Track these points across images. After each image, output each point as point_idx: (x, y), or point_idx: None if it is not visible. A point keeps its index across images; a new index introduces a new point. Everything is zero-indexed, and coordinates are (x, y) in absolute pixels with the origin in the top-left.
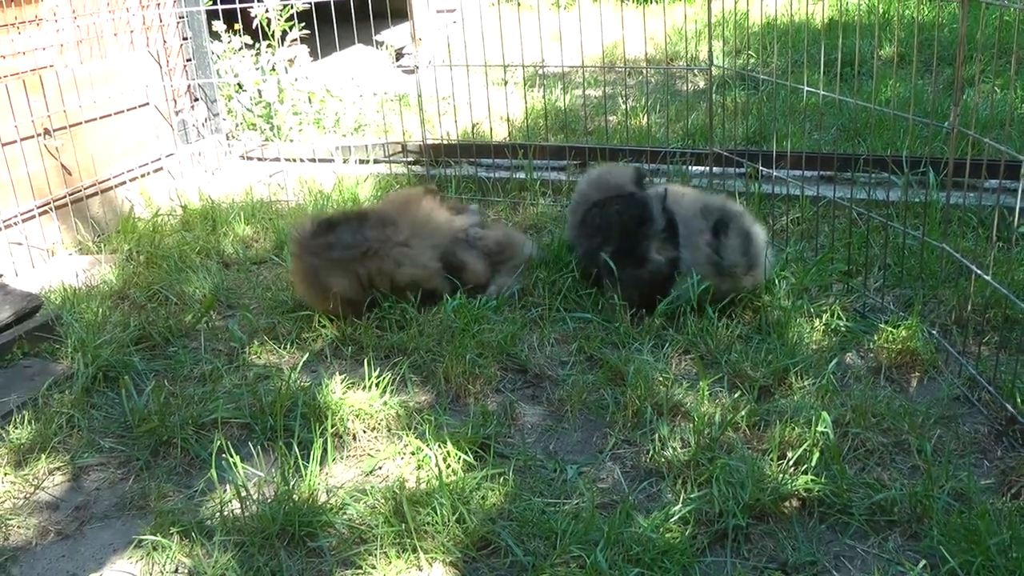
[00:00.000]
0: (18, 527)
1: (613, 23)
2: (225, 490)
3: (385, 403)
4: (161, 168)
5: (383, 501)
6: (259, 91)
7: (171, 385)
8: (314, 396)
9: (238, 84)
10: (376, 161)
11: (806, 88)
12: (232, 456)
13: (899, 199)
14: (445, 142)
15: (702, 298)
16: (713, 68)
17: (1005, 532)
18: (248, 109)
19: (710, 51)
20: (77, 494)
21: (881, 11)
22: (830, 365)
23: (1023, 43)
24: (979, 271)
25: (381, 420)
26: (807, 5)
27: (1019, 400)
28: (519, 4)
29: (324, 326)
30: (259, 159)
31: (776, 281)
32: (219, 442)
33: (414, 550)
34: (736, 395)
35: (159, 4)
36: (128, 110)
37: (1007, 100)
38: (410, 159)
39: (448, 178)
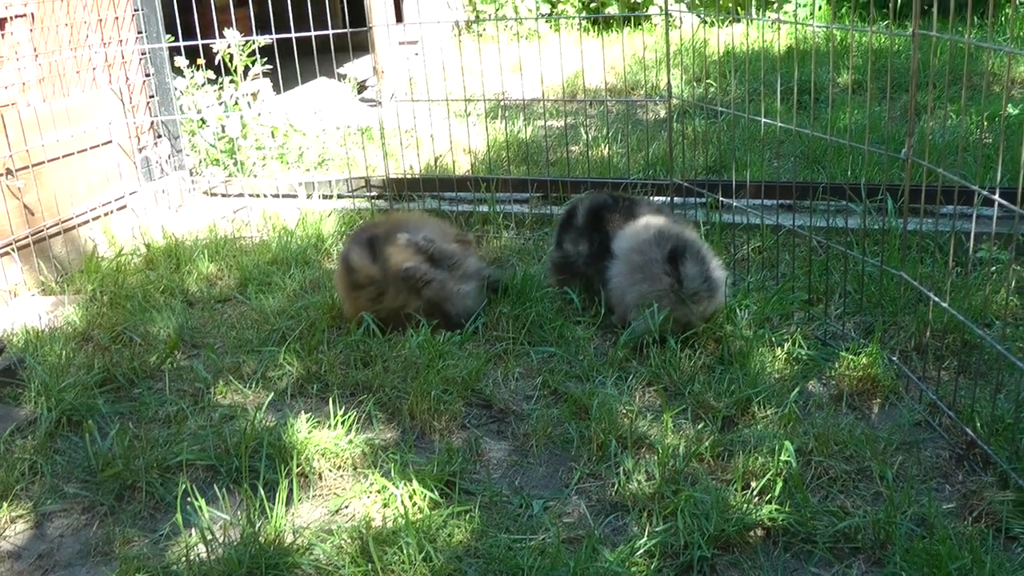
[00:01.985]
0: None
1: (573, 53)
2: (191, 534)
3: (351, 441)
4: (125, 206)
5: (349, 541)
6: (222, 126)
7: (136, 427)
8: (279, 436)
9: (201, 120)
10: (340, 196)
11: (763, 120)
12: (197, 499)
13: (858, 227)
14: (408, 176)
15: (664, 329)
16: (673, 98)
17: (966, 556)
18: (211, 145)
19: (668, 81)
20: (40, 542)
21: (838, 39)
22: (792, 394)
23: (974, 70)
24: (937, 298)
25: (347, 459)
26: (764, 33)
27: (979, 424)
28: (480, 35)
29: (290, 363)
30: (223, 195)
31: (738, 311)
32: (184, 485)
33: None
34: (700, 426)
35: (121, 41)
36: (91, 148)
37: (963, 126)
38: (374, 194)
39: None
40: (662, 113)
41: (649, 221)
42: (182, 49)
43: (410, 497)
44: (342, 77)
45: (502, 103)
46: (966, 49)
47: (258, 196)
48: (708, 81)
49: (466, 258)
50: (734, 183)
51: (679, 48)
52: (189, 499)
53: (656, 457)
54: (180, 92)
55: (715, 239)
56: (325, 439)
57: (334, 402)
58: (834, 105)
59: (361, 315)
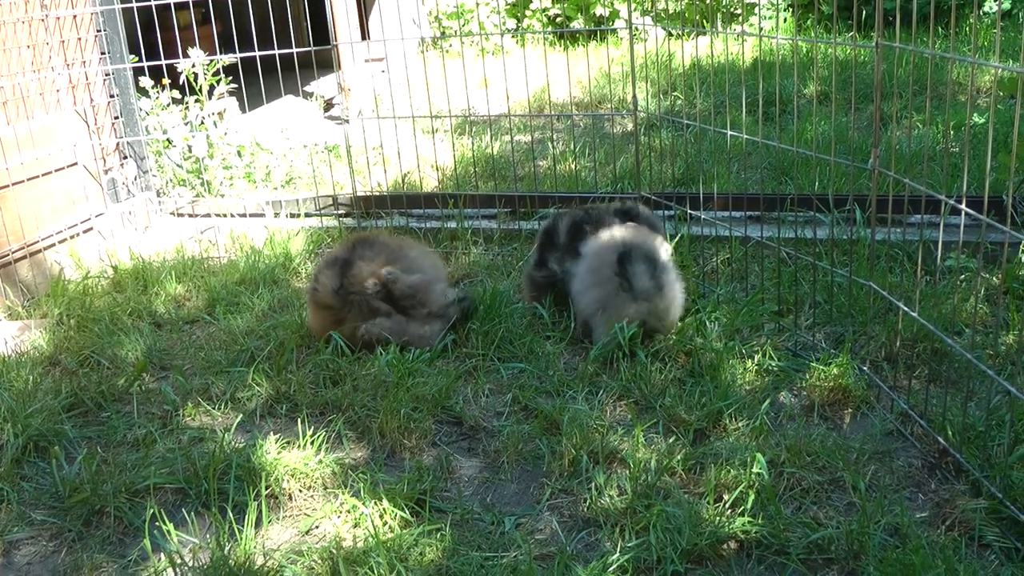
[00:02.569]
0: None
1: (539, 68)
2: (160, 559)
3: (320, 461)
4: (91, 228)
5: (320, 562)
6: (188, 146)
7: (104, 452)
8: (248, 457)
9: (167, 140)
10: (307, 215)
11: (729, 132)
12: (166, 523)
13: (826, 237)
14: (376, 193)
15: (633, 341)
16: (639, 111)
17: (940, 565)
18: (178, 165)
19: (634, 94)
20: (7, 570)
21: (803, 51)
22: (764, 405)
23: (939, 79)
24: (906, 307)
25: (317, 479)
26: (730, 46)
27: (950, 433)
28: (446, 52)
29: (259, 384)
30: (190, 215)
31: (708, 323)
32: (153, 509)
33: None
34: (671, 439)
35: (85, 62)
36: (56, 170)
37: (929, 135)
38: (341, 211)
39: (380, 229)
40: (629, 126)
41: (613, 233)
42: (146, 69)
43: (381, 516)
44: (308, 95)
45: (469, 119)
46: (930, 60)
47: (225, 216)
48: (675, 94)
49: (431, 292)
50: (702, 195)
51: (645, 61)
52: (158, 523)
53: (628, 472)
54: (145, 113)
55: (684, 251)
56: (295, 459)
57: (303, 422)
58: (800, 116)
59: (329, 334)
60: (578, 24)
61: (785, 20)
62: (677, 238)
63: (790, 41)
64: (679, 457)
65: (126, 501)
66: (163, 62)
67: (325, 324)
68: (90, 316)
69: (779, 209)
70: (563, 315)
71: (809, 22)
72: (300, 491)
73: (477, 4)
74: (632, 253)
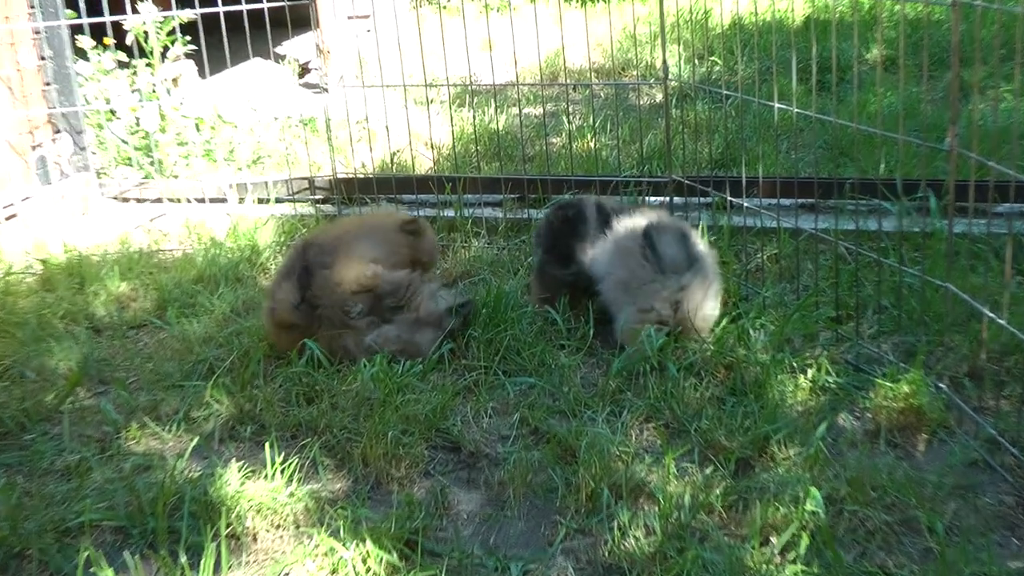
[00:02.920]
0: None
1: (553, 29)
2: None
3: (292, 494)
4: (15, 215)
5: None
6: (136, 118)
7: (27, 482)
8: (205, 489)
9: (110, 111)
10: (279, 200)
11: (777, 104)
12: (103, 568)
13: (894, 230)
14: (360, 175)
15: (664, 352)
16: (670, 80)
17: None
18: (123, 141)
19: (664, 59)
20: None
21: (866, 7)
22: (819, 430)
23: None
24: (992, 314)
25: (287, 515)
26: (775, 1)
27: None
28: (443, 7)
29: (218, 401)
30: (137, 200)
31: (752, 331)
32: (87, 552)
33: None
34: (709, 470)
35: (7, 18)
36: None
37: (1019, 109)
38: (319, 197)
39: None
40: (658, 97)
41: (635, 221)
42: (86, 27)
43: (363, 561)
44: (280, 58)
45: (470, 88)
46: (1021, 19)
47: (180, 201)
48: (712, 59)
49: (420, 294)
50: (744, 179)
51: (677, 20)
52: (92, 569)
53: (657, 508)
54: (84, 79)
55: (723, 246)
56: (261, 492)
57: (272, 447)
58: (862, 86)
59: (303, 342)
60: None
61: None
62: (714, 230)
63: None
64: (718, 491)
65: (54, 542)
66: (107, 19)
67: (289, 344)
68: (12, 319)
69: (837, 196)
70: (580, 320)
71: None
72: (267, 530)
73: None
74: (660, 226)
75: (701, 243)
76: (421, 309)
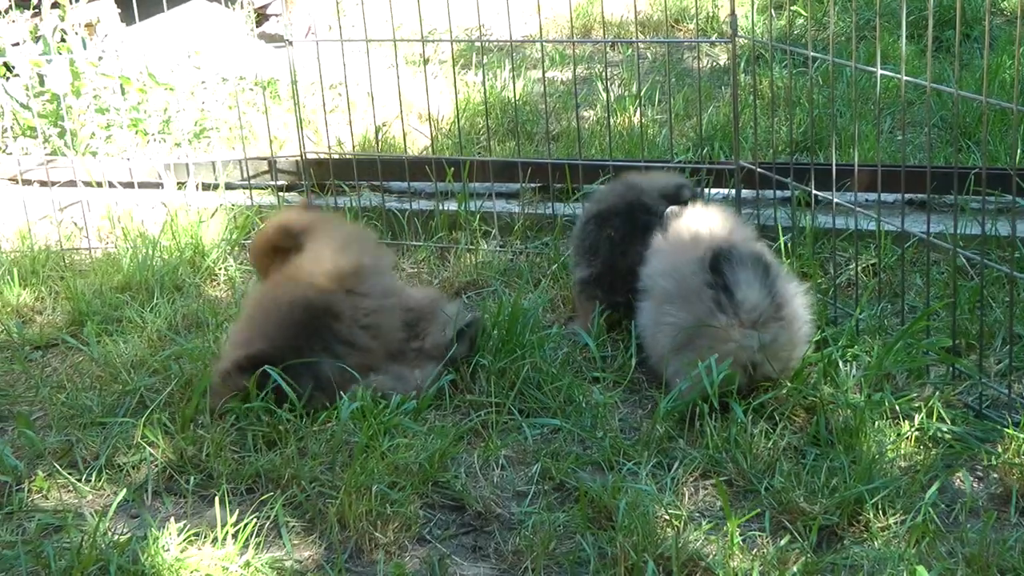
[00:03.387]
0: None
1: None
2: None
3: (247, 564)
4: None
5: None
6: (40, 76)
7: None
8: (135, 556)
9: (4, 65)
10: (230, 186)
11: (879, 71)
12: None
13: None
14: (335, 156)
15: (727, 390)
16: (739, 36)
17: None
18: (22, 105)
19: (732, 10)
20: None
21: None
22: (929, 492)
23: None
24: None
25: None
26: None
27: None
28: None
29: (152, 443)
30: (42, 183)
31: (841, 364)
32: None
33: None
34: (784, 541)
35: None
36: None
37: None
38: (282, 182)
39: (341, 211)
40: (723, 59)
41: (695, 223)
42: None
43: None
44: (231, 1)
45: (479, 44)
46: None
47: (100, 185)
48: (794, 8)
49: (435, 320)
50: (834, 168)
51: None
52: None
53: None
54: None
55: (805, 253)
56: (208, 561)
57: (222, 503)
58: (994, 47)
59: (264, 369)
60: None
61: None
62: (793, 233)
63: None
64: (795, 568)
65: None
66: None
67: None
68: None
69: (957, 191)
70: (618, 344)
71: None
72: None
73: None
74: (733, 253)
75: (786, 275)
76: (427, 340)
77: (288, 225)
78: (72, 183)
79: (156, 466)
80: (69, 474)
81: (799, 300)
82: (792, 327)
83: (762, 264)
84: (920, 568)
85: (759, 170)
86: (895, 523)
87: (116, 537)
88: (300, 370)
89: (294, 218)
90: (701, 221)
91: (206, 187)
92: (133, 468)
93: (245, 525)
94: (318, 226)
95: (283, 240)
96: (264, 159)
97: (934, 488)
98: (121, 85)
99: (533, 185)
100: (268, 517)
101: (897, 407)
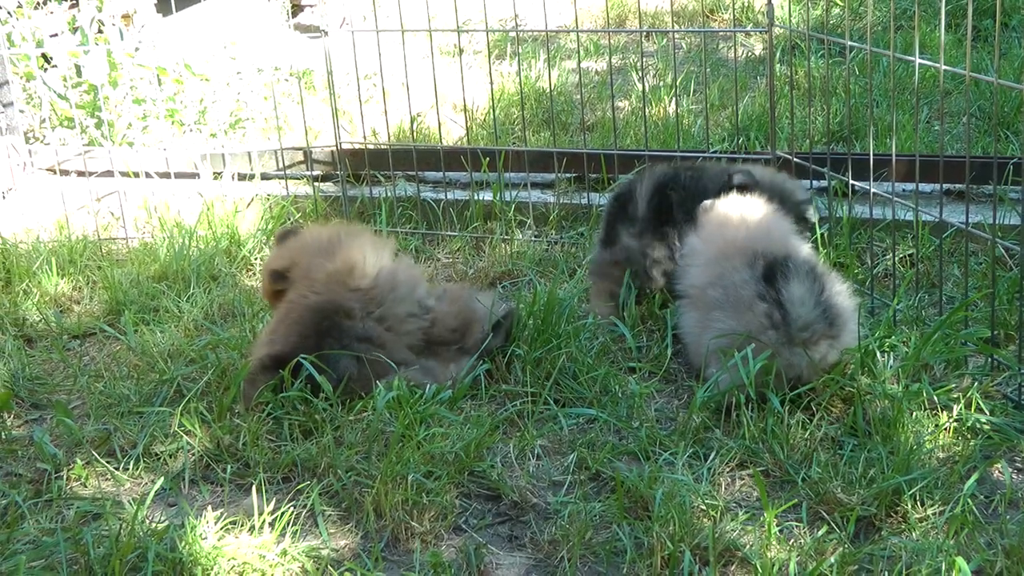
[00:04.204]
0: None
1: None
2: None
3: (284, 552)
4: None
5: None
6: (77, 67)
7: None
8: (173, 544)
9: (43, 56)
10: (265, 176)
11: (917, 60)
12: None
13: None
14: (370, 146)
15: (763, 382)
16: (776, 25)
17: None
18: (60, 96)
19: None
20: None
21: None
22: (968, 483)
23: None
24: None
25: None
26: None
27: None
28: None
29: (190, 432)
30: (79, 173)
31: (879, 354)
32: None
33: None
34: (821, 531)
35: None
36: None
37: None
38: (317, 172)
39: (375, 202)
40: (759, 49)
41: (741, 215)
42: None
43: None
44: None
45: (514, 35)
46: None
47: (137, 175)
48: None
49: (474, 320)
50: (872, 158)
51: None
52: None
53: None
54: (7, 13)
55: (842, 243)
56: (245, 549)
57: (259, 492)
58: None
59: (299, 359)
60: None
61: None
62: (831, 223)
63: None
64: (833, 559)
65: None
66: None
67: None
68: None
69: (996, 181)
70: (654, 334)
71: None
72: None
73: None
74: (789, 265)
75: (837, 282)
76: (468, 340)
77: (271, 270)
78: (109, 173)
79: (193, 455)
80: (107, 462)
81: (850, 314)
82: (841, 343)
83: (816, 276)
84: (959, 559)
85: (796, 160)
86: (933, 514)
87: (154, 525)
88: (322, 366)
89: (275, 260)
90: (741, 217)
91: (242, 177)
92: (170, 457)
93: (282, 514)
94: (300, 250)
95: (275, 284)
96: (300, 149)
97: (973, 479)
98: (158, 76)
99: (568, 175)
100: (304, 506)
101: (935, 398)
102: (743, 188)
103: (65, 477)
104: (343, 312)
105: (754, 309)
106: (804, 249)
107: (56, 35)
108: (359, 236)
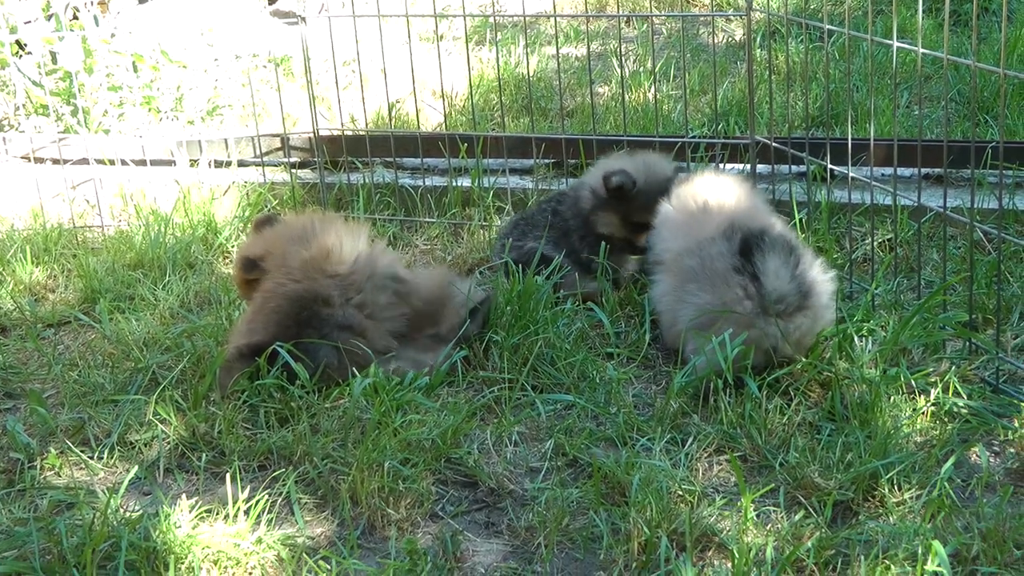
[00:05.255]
0: None
1: None
2: None
3: (259, 540)
4: None
5: None
6: (52, 54)
7: None
8: (147, 533)
9: (16, 43)
10: (242, 163)
11: (896, 43)
12: None
13: None
14: (348, 132)
15: (742, 365)
16: (754, 10)
17: None
18: (34, 83)
19: None
20: None
21: None
22: (945, 467)
23: None
24: None
25: (253, 567)
26: None
27: None
28: None
29: (164, 421)
30: (54, 161)
31: (856, 339)
32: None
33: None
34: (798, 516)
35: None
36: None
37: None
38: (294, 159)
39: (353, 188)
40: (738, 34)
41: (713, 192)
42: None
43: None
44: None
45: (493, 19)
46: None
47: (112, 163)
48: None
49: (448, 303)
50: (850, 142)
51: None
52: None
53: (730, 564)
54: None
55: (821, 228)
56: (220, 537)
57: (234, 480)
58: (1013, 20)
59: (274, 347)
60: None
61: None
62: (810, 208)
63: None
64: (810, 544)
65: None
66: None
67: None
68: None
69: (974, 165)
70: (632, 320)
71: None
72: None
73: None
74: (765, 239)
75: (811, 257)
76: (443, 325)
77: (245, 258)
78: (84, 161)
79: (168, 443)
80: (81, 451)
81: (825, 287)
82: (817, 316)
83: (791, 250)
84: (935, 543)
85: (775, 145)
86: (910, 498)
87: (128, 514)
88: (300, 355)
89: (249, 249)
90: (716, 190)
91: (219, 164)
92: (145, 445)
93: (257, 502)
94: (275, 238)
95: (248, 272)
96: (277, 136)
97: (950, 463)
98: (134, 62)
99: (547, 161)
100: (280, 494)
101: (913, 382)
102: (619, 189)
103: (38, 466)
104: (322, 300)
105: (729, 281)
106: (779, 225)
107: (30, 22)
108: (333, 223)
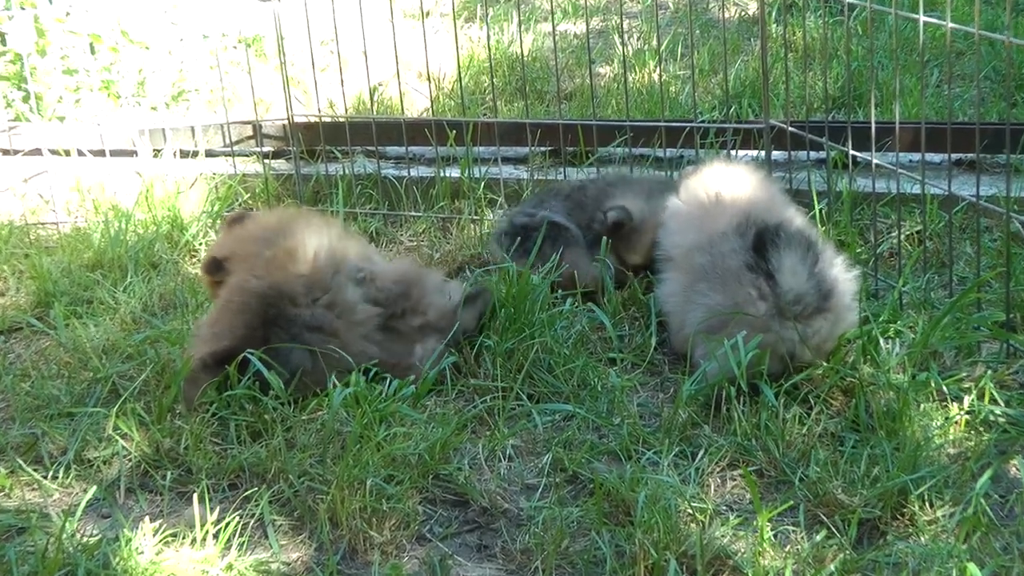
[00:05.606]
0: None
1: None
2: None
3: (230, 567)
4: None
5: None
6: (1, 35)
7: None
8: (106, 560)
9: None
10: (210, 153)
11: (922, 18)
12: None
13: None
14: (326, 119)
15: (756, 371)
16: None
17: None
18: None
19: None
20: None
21: None
22: (981, 482)
23: None
24: None
25: None
26: None
27: None
28: None
29: (125, 436)
30: (4, 152)
31: (882, 341)
32: None
33: None
34: (820, 536)
35: None
36: None
37: None
38: (268, 148)
39: (332, 180)
40: (751, 8)
41: (720, 189)
42: None
43: None
44: None
45: None
46: None
47: (68, 154)
48: None
49: (426, 288)
50: (874, 126)
51: None
52: None
53: None
54: None
55: (843, 219)
56: (186, 563)
57: (201, 500)
58: None
59: (245, 354)
60: None
61: None
62: (830, 198)
63: None
64: (833, 566)
65: None
66: None
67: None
68: None
69: (1010, 150)
70: (636, 323)
71: None
72: None
73: None
74: (781, 234)
75: (832, 253)
76: (430, 310)
77: (210, 259)
78: (37, 151)
79: (129, 461)
80: (34, 470)
81: (847, 286)
82: (838, 318)
83: (810, 245)
84: (971, 565)
85: (791, 129)
86: (943, 516)
87: (85, 539)
88: (271, 362)
89: (216, 249)
90: (728, 180)
91: (184, 154)
92: (104, 463)
93: (227, 524)
94: (242, 238)
95: (213, 274)
96: (248, 123)
97: (986, 477)
98: (91, 43)
99: (543, 149)
100: (253, 515)
101: (945, 388)
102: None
103: None
104: (288, 298)
105: (742, 280)
106: (798, 218)
107: None
108: (306, 219)
